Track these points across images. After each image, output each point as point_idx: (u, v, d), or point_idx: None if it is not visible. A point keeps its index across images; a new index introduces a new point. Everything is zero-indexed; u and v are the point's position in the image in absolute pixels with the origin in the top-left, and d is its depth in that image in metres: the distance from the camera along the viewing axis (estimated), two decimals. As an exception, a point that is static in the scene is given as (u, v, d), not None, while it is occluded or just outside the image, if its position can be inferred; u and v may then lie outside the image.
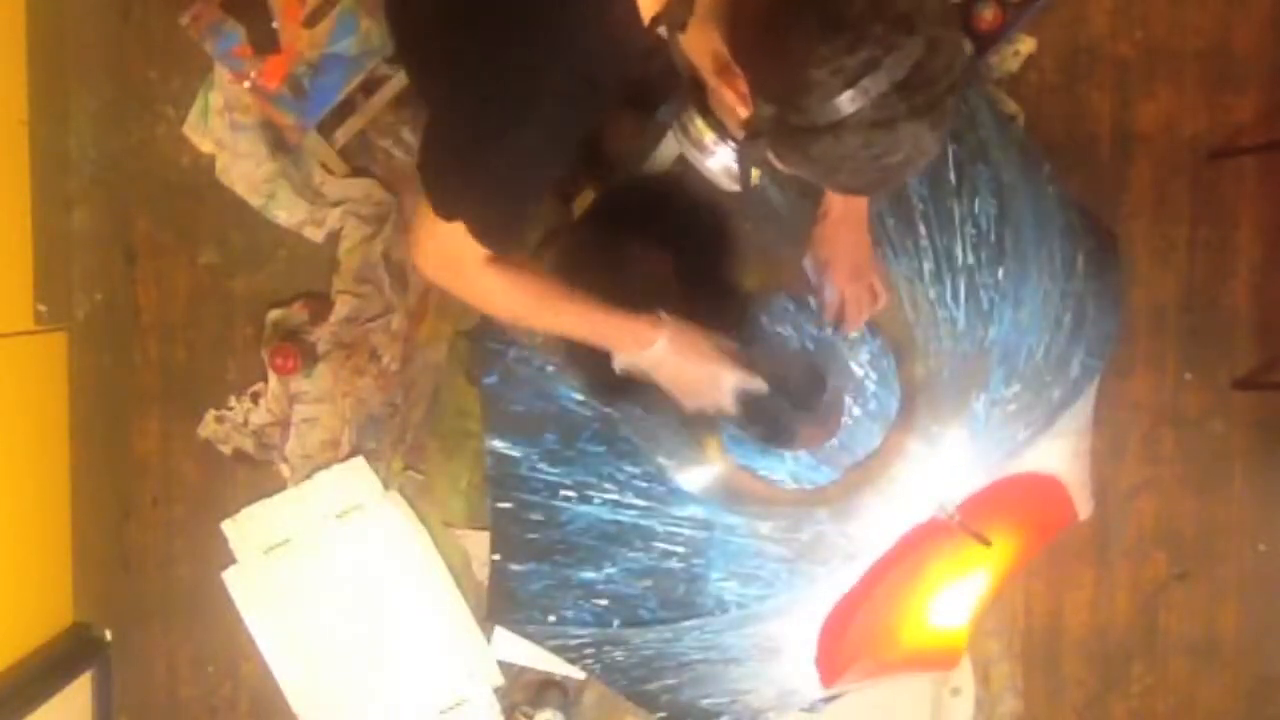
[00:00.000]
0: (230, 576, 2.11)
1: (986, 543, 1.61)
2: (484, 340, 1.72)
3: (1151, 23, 2.11)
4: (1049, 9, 2.05)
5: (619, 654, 1.69)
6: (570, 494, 1.64)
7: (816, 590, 1.64)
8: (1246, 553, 2.16)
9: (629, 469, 1.62)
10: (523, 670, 2.11)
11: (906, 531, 1.63)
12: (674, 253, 1.55)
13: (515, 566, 1.69)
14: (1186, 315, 2.14)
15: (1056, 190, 1.72)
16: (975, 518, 1.62)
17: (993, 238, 1.59)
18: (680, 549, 1.62)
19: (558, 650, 1.75)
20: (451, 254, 1.23)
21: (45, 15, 1.99)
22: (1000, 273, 1.60)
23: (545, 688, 2.11)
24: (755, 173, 1.23)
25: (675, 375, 1.39)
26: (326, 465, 2.11)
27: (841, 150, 0.96)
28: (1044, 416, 1.67)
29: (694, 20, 1.05)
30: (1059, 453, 1.75)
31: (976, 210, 1.61)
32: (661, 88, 1.38)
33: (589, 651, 1.71)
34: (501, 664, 2.10)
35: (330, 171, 2.08)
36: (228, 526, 2.11)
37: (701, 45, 1.07)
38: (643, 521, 1.62)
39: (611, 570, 1.64)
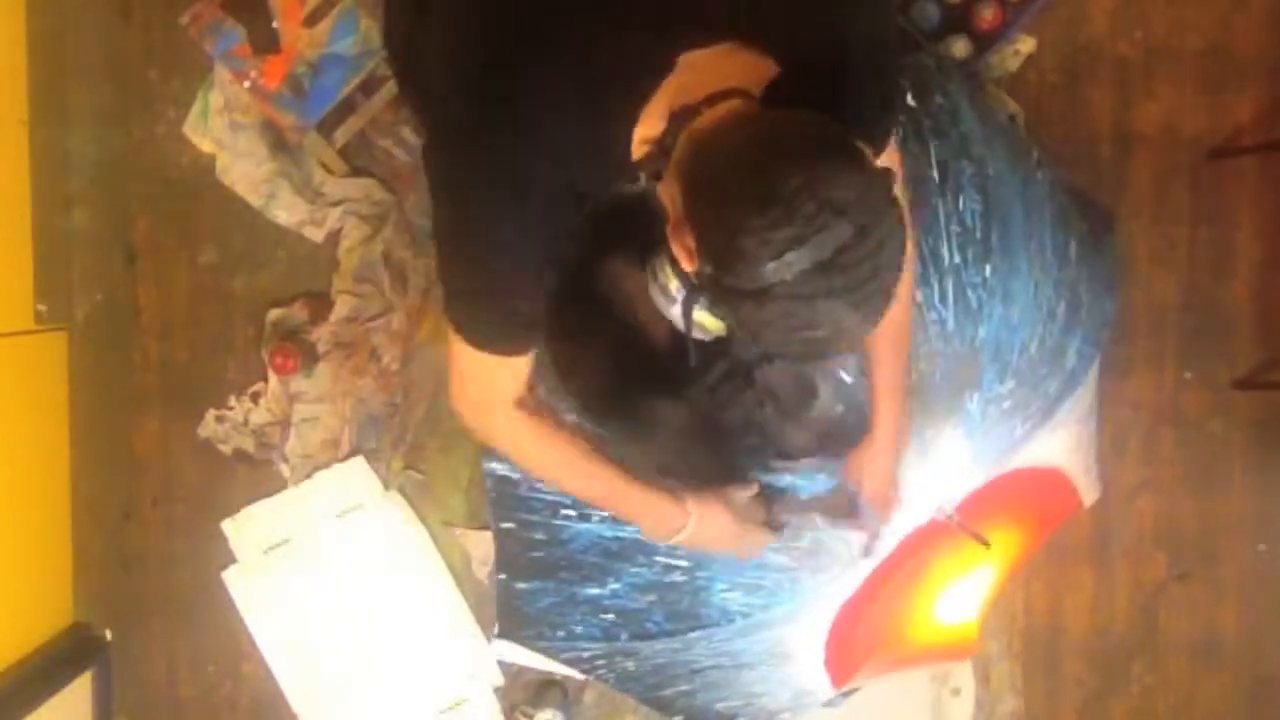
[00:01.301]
0: (230, 576, 2.11)
1: (985, 543, 1.62)
2: None
3: (1151, 23, 2.11)
4: (1049, 9, 2.05)
5: (630, 664, 1.70)
6: (570, 512, 1.66)
7: (821, 596, 1.64)
8: (1246, 553, 2.16)
9: None
10: (523, 670, 2.11)
11: (907, 534, 1.63)
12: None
13: (521, 585, 1.70)
14: (1186, 315, 2.14)
15: (1046, 176, 1.70)
16: (975, 516, 1.62)
17: (979, 234, 1.59)
18: (682, 562, 1.63)
19: (570, 662, 1.77)
20: (483, 398, 1.30)
21: (45, 15, 1.99)
22: (988, 270, 1.60)
23: (545, 688, 2.11)
24: (716, 323, 1.28)
25: (706, 546, 1.49)
26: (326, 465, 2.11)
27: (764, 316, 1.01)
28: (1041, 410, 1.66)
29: (666, 172, 1.10)
30: (1059, 444, 1.74)
31: (961, 207, 1.60)
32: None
33: (601, 663, 1.73)
34: (501, 664, 2.10)
35: (330, 171, 2.08)
36: (228, 526, 2.11)
37: (669, 197, 1.11)
38: (643, 537, 1.63)
39: (616, 586, 1.65)
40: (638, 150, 1.12)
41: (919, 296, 1.59)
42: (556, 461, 1.38)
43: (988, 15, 1.99)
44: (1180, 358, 2.15)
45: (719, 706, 1.74)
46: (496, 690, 2.12)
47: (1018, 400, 1.64)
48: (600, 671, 1.74)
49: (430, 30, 1.25)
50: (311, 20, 1.97)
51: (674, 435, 1.59)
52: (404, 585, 2.09)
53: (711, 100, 1.08)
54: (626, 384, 1.62)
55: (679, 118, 1.08)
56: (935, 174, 1.59)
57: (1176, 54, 2.11)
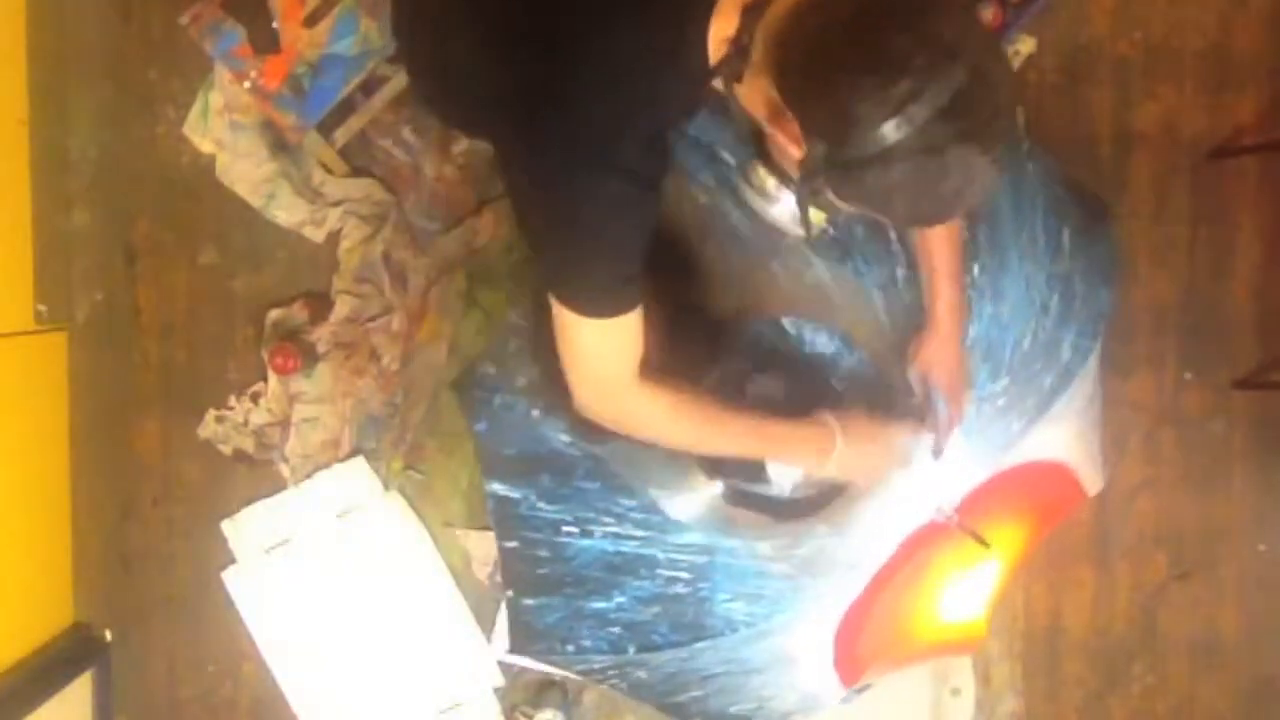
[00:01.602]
0: (230, 576, 2.11)
1: (985, 544, 1.62)
2: (469, 389, 1.76)
3: (1151, 23, 2.11)
4: (1049, 9, 2.05)
5: (643, 673, 1.72)
6: (572, 529, 1.68)
7: (823, 602, 1.65)
8: (1246, 553, 2.16)
9: (625, 502, 1.66)
10: (523, 670, 2.10)
11: (908, 536, 1.63)
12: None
13: (529, 601, 1.72)
14: (1186, 315, 2.14)
15: (1037, 166, 1.69)
16: (976, 514, 1.62)
17: (965, 234, 1.58)
18: (684, 575, 1.65)
19: (583, 674, 1.79)
20: (609, 373, 1.26)
21: (45, 15, 1.99)
22: (975, 269, 1.60)
23: (545, 688, 2.11)
24: (820, 216, 1.26)
25: (857, 466, 1.43)
26: (326, 465, 2.11)
27: (892, 179, 0.99)
28: (1037, 405, 1.66)
29: (748, 70, 1.09)
30: (1059, 437, 1.73)
31: None
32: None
33: (613, 673, 1.74)
34: (501, 664, 2.10)
35: (330, 171, 2.08)
36: (228, 526, 2.11)
37: (756, 94, 1.10)
38: (644, 551, 1.66)
39: (621, 599, 1.67)
40: (715, 52, 1.11)
41: (907, 300, 1.60)
42: (693, 428, 1.33)
43: (988, 15, 1.99)
44: (1180, 358, 2.15)
45: (733, 710, 1.75)
46: (496, 690, 2.12)
47: (1013, 397, 1.63)
48: (613, 681, 1.76)
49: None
50: (311, 20, 1.97)
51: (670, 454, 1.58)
52: (404, 585, 2.09)
53: None
54: None
55: (752, 10, 1.07)
56: None
57: (1176, 54, 2.11)
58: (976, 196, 1.04)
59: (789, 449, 1.42)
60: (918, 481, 1.59)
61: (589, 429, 1.57)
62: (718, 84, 1.13)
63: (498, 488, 1.72)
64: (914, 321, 1.57)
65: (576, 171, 1.13)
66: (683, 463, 1.63)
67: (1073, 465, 1.77)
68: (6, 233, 1.94)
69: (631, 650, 1.67)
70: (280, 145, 2.07)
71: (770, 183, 1.29)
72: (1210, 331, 2.14)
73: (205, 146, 2.10)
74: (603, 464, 1.65)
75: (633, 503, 1.65)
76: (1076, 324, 1.68)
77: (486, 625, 2.09)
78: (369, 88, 2.02)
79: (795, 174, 1.10)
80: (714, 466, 1.63)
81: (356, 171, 2.09)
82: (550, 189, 1.16)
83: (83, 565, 2.12)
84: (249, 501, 2.11)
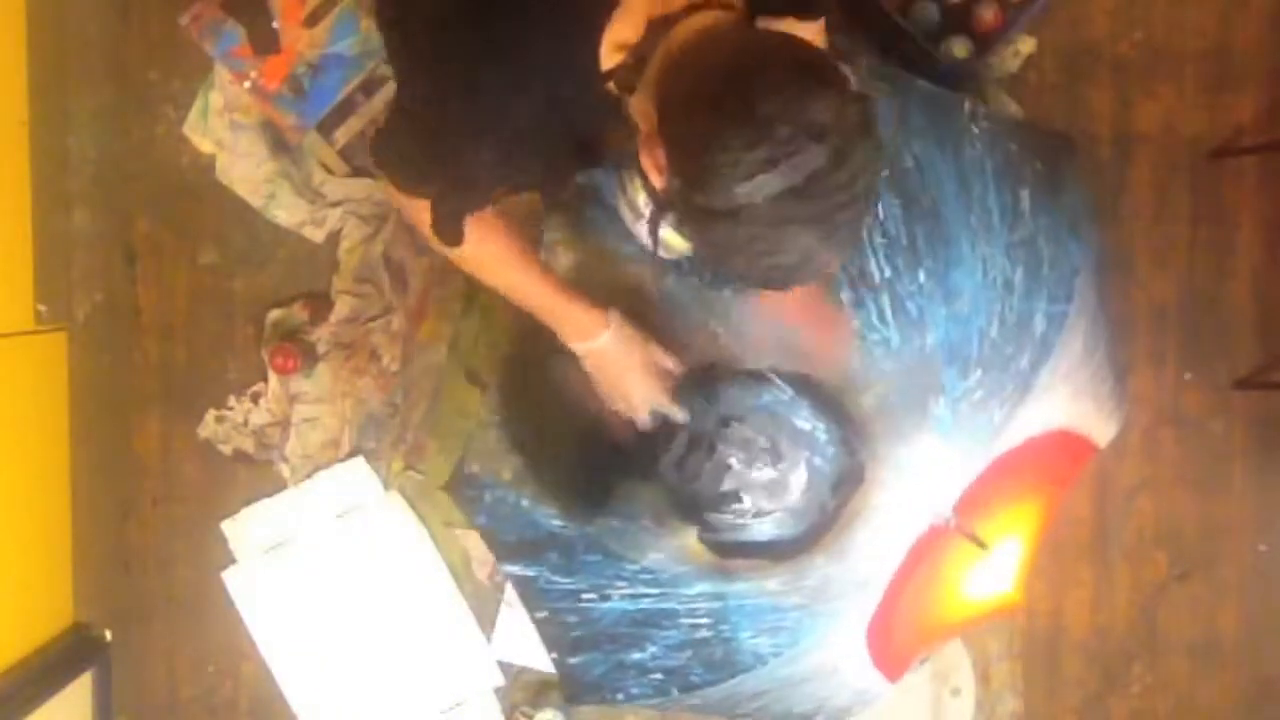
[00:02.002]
0: (230, 576, 2.11)
1: (983, 545, 1.62)
2: (461, 490, 1.79)
3: (1151, 23, 2.11)
4: (1049, 9, 2.05)
5: (695, 701, 1.75)
6: (591, 595, 1.71)
7: (845, 620, 1.66)
8: (1246, 553, 2.16)
9: (630, 566, 1.68)
10: (523, 670, 2.10)
11: (912, 544, 1.63)
12: None
13: (573, 660, 1.75)
14: (1186, 315, 2.14)
15: (985, 127, 1.63)
16: (978, 509, 1.62)
17: (904, 240, 1.56)
18: (704, 620, 1.67)
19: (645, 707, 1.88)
20: (428, 229, 1.31)
21: (45, 15, 1.99)
22: (921, 275, 1.56)
23: (545, 688, 2.11)
24: (682, 244, 1.29)
25: (603, 370, 1.48)
26: (326, 465, 2.11)
27: (734, 239, 0.99)
28: (1018, 388, 1.62)
29: (641, 85, 1.09)
30: (1054, 405, 1.67)
31: (882, 216, 1.56)
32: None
33: (670, 708, 1.81)
34: (501, 664, 2.10)
35: (331, 172, 2.08)
36: (228, 526, 2.11)
37: (641, 110, 1.10)
38: (662, 605, 1.68)
39: (654, 649, 1.70)
40: (610, 58, 1.10)
41: (857, 323, 1.57)
42: (494, 259, 1.39)
43: (988, 15, 1.99)
44: (1180, 358, 2.15)
45: (796, 711, 1.77)
46: (496, 690, 2.12)
47: (989, 388, 1.60)
48: (673, 708, 1.82)
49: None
50: (311, 20, 1.97)
51: (657, 515, 1.65)
52: (404, 585, 2.09)
53: (691, 9, 1.06)
54: (595, 479, 1.67)
55: (657, 27, 1.06)
56: None
57: (1176, 54, 2.11)
58: (811, 277, 1.03)
59: (561, 321, 1.45)
60: (911, 491, 1.59)
61: (574, 514, 1.67)
62: (612, 86, 1.13)
63: (513, 569, 1.75)
64: (867, 341, 1.59)
65: (460, 115, 1.15)
66: (670, 526, 1.67)
67: (1075, 426, 1.71)
68: (6, 233, 1.94)
69: (675, 692, 1.71)
70: (280, 145, 2.07)
71: (641, 198, 1.30)
72: (1210, 331, 2.14)
73: (205, 146, 2.10)
74: (597, 540, 1.69)
75: (636, 566, 1.68)
76: (1047, 290, 1.62)
77: (486, 625, 2.09)
78: (369, 88, 2.03)
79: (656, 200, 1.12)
80: (686, 515, 1.67)
81: (357, 171, 2.09)
82: (438, 122, 1.18)
83: (83, 565, 2.12)
84: (249, 501, 2.11)
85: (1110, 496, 2.12)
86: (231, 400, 2.14)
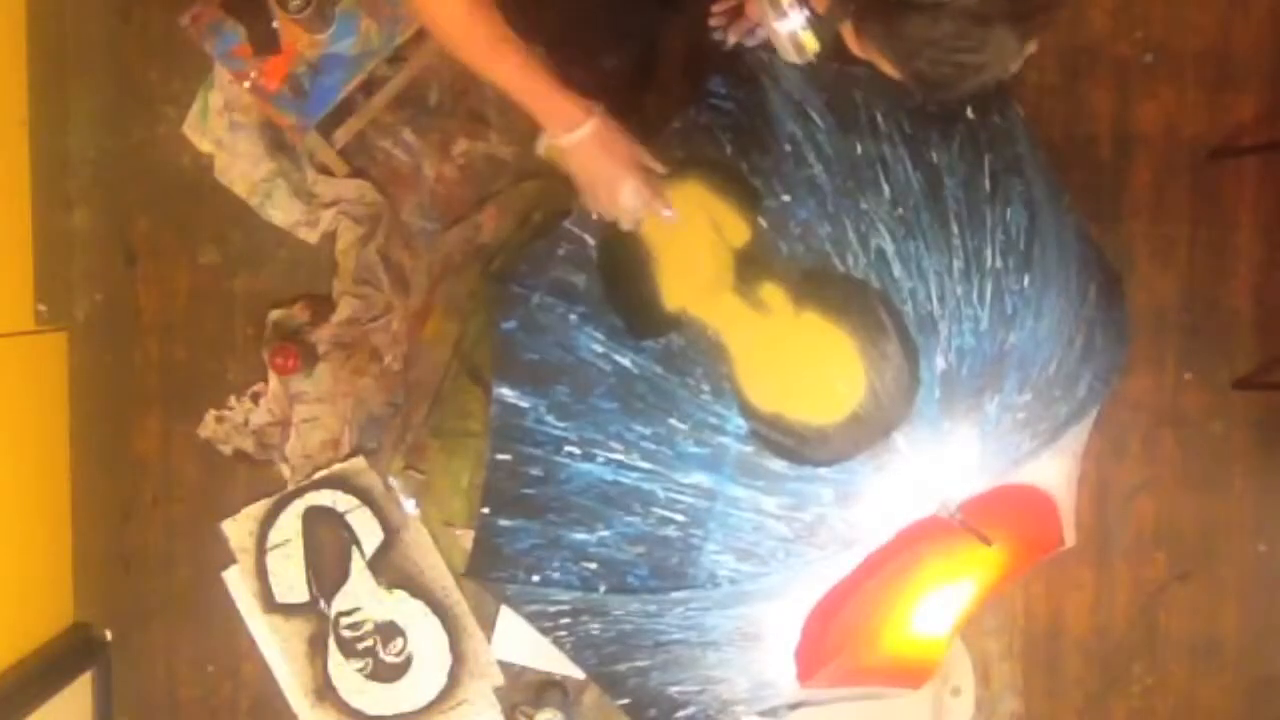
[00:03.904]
0: (230, 576, 2.11)
1: (988, 542, 1.61)
2: (509, 282, 1.67)
3: (1151, 23, 2.11)
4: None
5: (595, 626, 1.66)
6: (574, 450, 1.60)
7: (810, 574, 1.62)
8: (1246, 553, 2.16)
9: (639, 429, 1.58)
10: (523, 670, 2.11)
11: (906, 526, 1.63)
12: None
13: (505, 522, 1.64)
14: (1186, 315, 2.14)
15: (1075, 220, 1.73)
16: (974, 520, 1.62)
17: (1021, 245, 1.60)
18: (679, 517, 1.58)
19: (533, 616, 1.70)
20: None
21: (45, 15, 2.00)
22: (1026, 280, 1.60)
23: (545, 688, 2.11)
24: (813, 45, 1.22)
25: (585, 165, 1.44)
26: (326, 465, 2.11)
27: (932, 34, 0.98)
28: (1050, 430, 1.66)
29: None
30: (1058, 471, 1.74)
31: (1008, 218, 1.61)
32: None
33: (565, 621, 1.68)
34: (501, 664, 2.10)
35: (328, 172, 2.08)
36: (228, 526, 2.11)
37: None
38: (645, 485, 1.58)
39: (605, 533, 1.60)
40: None
41: (959, 291, 1.59)
42: (478, 39, 1.35)
43: (988, 15, 1.99)
44: (1180, 358, 2.15)
45: (672, 690, 1.70)
46: (496, 690, 2.12)
47: (1031, 414, 1.63)
48: (561, 633, 1.69)
49: None
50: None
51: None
52: (404, 585, 2.09)
53: None
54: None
55: None
56: (988, 183, 1.60)
57: (1176, 54, 2.11)
58: (993, 79, 1.03)
59: (541, 105, 1.41)
60: (932, 469, 1.59)
61: (639, 328, 1.57)
62: None
63: (507, 393, 1.63)
64: (961, 312, 1.60)
65: None
66: (720, 387, 1.57)
67: (1061, 507, 1.77)
68: (6, 233, 1.94)
69: (602, 589, 1.60)
70: (280, 145, 2.07)
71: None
72: (1210, 331, 2.14)
73: (205, 146, 2.10)
74: (627, 384, 1.58)
75: (646, 431, 1.58)
76: (1094, 367, 1.69)
77: (487, 625, 2.09)
78: (369, 88, 2.02)
79: None
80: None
81: (356, 172, 2.09)
82: None
83: (83, 565, 2.12)
84: (249, 501, 2.12)
85: (1110, 497, 2.12)
86: (232, 400, 2.13)
